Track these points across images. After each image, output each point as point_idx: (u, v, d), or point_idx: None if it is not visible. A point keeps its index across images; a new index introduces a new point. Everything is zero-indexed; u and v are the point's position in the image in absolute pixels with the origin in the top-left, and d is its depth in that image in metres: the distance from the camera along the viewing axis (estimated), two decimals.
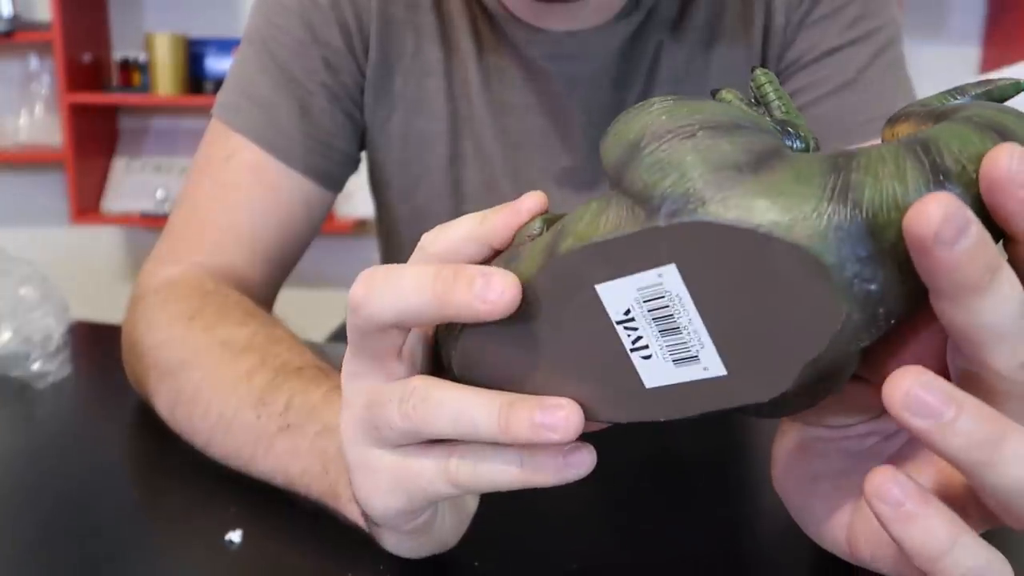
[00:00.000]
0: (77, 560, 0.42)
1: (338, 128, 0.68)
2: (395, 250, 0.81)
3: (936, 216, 0.21)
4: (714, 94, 0.31)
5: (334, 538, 0.43)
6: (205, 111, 0.81)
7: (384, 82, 0.69)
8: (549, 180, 0.71)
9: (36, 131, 2.42)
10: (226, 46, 2.34)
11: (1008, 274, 0.23)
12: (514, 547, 0.43)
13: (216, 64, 2.35)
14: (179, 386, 0.52)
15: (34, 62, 2.42)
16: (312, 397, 0.45)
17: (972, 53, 2.26)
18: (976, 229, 0.22)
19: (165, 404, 0.53)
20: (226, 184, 0.65)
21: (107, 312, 0.87)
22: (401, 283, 0.29)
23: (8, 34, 2.22)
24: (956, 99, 0.29)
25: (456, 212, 0.72)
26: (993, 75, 0.32)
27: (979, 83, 0.29)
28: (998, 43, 2.18)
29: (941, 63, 2.24)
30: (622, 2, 0.65)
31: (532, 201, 0.30)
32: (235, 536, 0.43)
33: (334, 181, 0.70)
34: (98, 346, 0.77)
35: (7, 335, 0.65)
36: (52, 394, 0.63)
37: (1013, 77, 0.29)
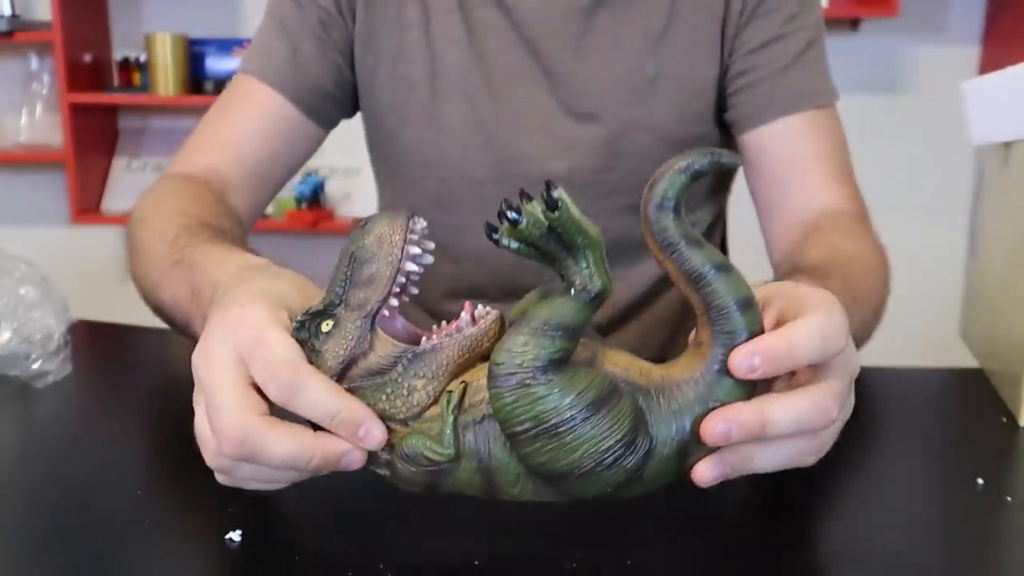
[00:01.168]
0: (77, 559, 0.42)
1: (325, 71, 0.82)
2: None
3: (710, 434, 0.38)
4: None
5: (334, 538, 0.43)
6: (205, 111, 0.84)
7: (370, 38, 0.82)
8: (532, 119, 0.80)
9: (36, 131, 2.41)
10: (226, 46, 2.33)
11: (776, 411, 0.38)
12: (514, 547, 0.43)
13: (216, 64, 2.34)
14: (136, 235, 0.66)
15: (34, 62, 2.41)
16: (206, 248, 0.57)
17: (972, 53, 2.25)
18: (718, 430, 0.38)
19: (132, 261, 0.66)
20: (227, 107, 0.82)
21: (107, 312, 0.87)
22: None
23: (8, 34, 2.22)
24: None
25: (436, 145, 0.82)
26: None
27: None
28: (998, 43, 2.18)
29: (941, 63, 2.23)
30: None
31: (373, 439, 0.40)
32: (235, 536, 0.43)
33: (320, 116, 0.83)
34: (98, 346, 0.77)
35: (7, 335, 0.65)
36: (52, 394, 0.63)
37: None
